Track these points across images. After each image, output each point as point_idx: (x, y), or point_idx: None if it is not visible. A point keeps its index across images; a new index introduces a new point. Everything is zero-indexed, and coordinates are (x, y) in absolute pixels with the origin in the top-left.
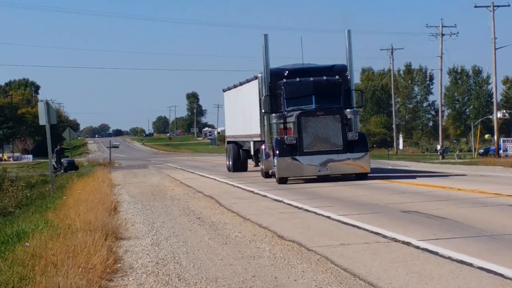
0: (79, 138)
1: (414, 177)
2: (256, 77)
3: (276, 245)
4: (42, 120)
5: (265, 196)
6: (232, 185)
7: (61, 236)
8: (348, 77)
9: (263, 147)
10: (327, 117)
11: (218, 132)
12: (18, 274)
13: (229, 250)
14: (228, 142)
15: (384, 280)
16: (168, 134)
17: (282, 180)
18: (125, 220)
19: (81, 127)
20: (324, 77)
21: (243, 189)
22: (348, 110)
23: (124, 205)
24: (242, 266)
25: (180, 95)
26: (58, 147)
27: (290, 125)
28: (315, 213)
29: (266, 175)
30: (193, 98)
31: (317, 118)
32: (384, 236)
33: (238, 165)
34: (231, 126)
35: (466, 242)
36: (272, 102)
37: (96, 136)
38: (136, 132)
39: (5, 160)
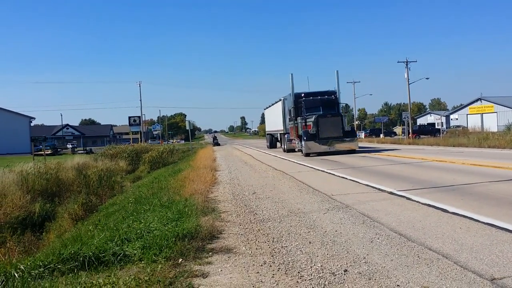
0: (199, 133)
1: (379, 150)
2: (280, 100)
3: (274, 172)
4: (187, 127)
5: (277, 156)
6: (265, 153)
7: (195, 170)
8: (338, 96)
9: (285, 136)
10: (333, 118)
11: (254, 131)
12: (179, 184)
13: (257, 174)
14: (267, 134)
15: (312, 183)
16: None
17: (307, 155)
18: (218, 164)
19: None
20: (326, 96)
21: (269, 154)
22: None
23: (218, 158)
24: (261, 180)
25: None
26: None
27: (310, 123)
28: (293, 161)
29: (288, 151)
30: (243, 118)
31: (327, 119)
32: (341, 177)
33: (272, 144)
34: (268, 126)
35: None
36: (296, 111)
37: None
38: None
39: (174, 142)
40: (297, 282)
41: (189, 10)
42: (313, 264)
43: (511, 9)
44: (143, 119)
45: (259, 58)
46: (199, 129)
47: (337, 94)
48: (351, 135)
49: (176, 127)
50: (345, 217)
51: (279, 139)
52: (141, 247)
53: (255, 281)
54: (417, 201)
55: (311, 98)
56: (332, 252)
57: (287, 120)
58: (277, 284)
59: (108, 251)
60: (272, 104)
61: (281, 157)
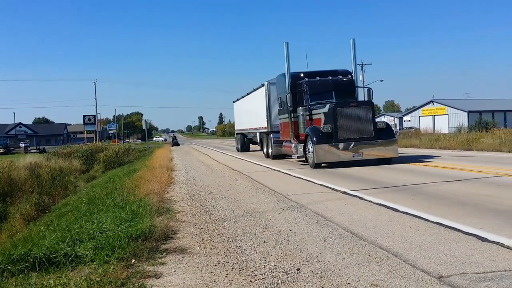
0: (157, 132)
1: None
2: (263, 85)
3: (231, 172)
4: (143, 126)
5: (239, 157)
6: (227, 154)
7: (150, 170)
8: (353, 78)
9: (271, 136)
10: (359, 108)
11: (212, 131)
12: (134, 184)
13: (214, 174)
14: (237, 133)
15: (268, 183)
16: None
17: (318, 165)
18: (175, 164)
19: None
20: (340, 77)
21: (235, 156)
22: None
23: (175, 158)
24: (218, 180)
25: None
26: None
27: (319, 116)
28: (250, 161)
29: (274, 157)
30: (201, 118)
31: (351, 109)
32: (298, 177)
33: (244, 147)
34: (239, 123)
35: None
36: (293, 99)
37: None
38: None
39: (130, 141)
40: (251, 281)
41: (146, 8)
42: (266, 263)
43: (460, 12)
44: (98, 118)
45: (214, 59)
46: (156, 129)
47: (349, 75)
48: (387, 134)
49: (132, 126)
50: (299, 217)
51: (257, 140)
52: (93, 248)
53: (209, 281)
54: (370, 201)
55: (318, 79)
56: (286, 251)
57: (274, 112)
58: (230, 284)
59: (59, 252)
60: (247, 94)
61: (259, 163)
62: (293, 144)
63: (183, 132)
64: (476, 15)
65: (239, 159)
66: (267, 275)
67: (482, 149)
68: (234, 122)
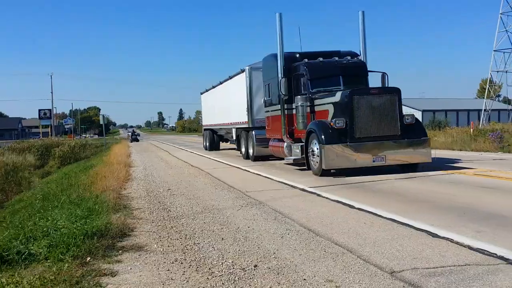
0: (114, 128)
1: None
2: (243, 70)
3: (190, 168)
4: (101, 121)
5: (201, 155)
6: (191, 152)
7: (108, 166)
8: (364, 59)
9: (253, 133)
10: (382, 96)
11: (172, 126)
12: (90, 180)
13: (173, 171)
14: (205, 129)
15: (227, 180)
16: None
17: (325, 172)
18: (133, 160)
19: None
20: (349, 59)
21: (205, 156)
22: None
23: (133, 154)
24: (177, 176)
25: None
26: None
27: (325, 107)
28: (209, 157)
29: (256, 159)
30: (160, 113)
31: (373, 97)
32: (251, 172)
33: (213, 145)
34: (208, 118)
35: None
36: (289, 86)
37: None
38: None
39: (86, 136)
40: (208, 278)
41: (105, 4)
42: (224, 260)
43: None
44: (55, 112)
45: (175, 55)
46: (114, 124)
47: (357, 57)
48: (417, 131)
49: (89, 121)
50: (258, 214)
51: (231, 138)
52: (47, 246)
53: (165, 279)
54: (327, 198)
55: (320, 61)
56: (244, 248)
57: (256, 104)
58: (187, 281)
59: (12, 250)
60: (220, 83)
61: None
62: (285, 144)
63: (142, 127)
64: (429, 19)
65: (209, 160)
66: (225, 272)
67: (435, 148)
68: (194, 118)
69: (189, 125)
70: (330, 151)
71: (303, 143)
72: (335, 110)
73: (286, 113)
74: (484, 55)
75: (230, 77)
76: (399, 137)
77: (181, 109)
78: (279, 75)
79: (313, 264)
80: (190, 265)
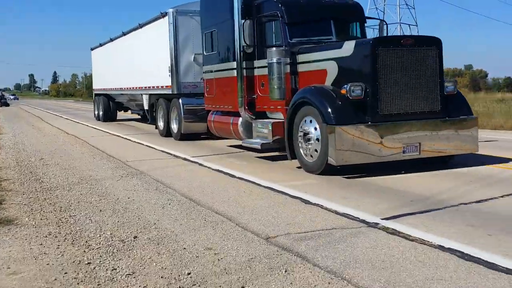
0: None
1: None
2: (164, 15)
3: (66, 136)
4: None
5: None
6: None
7: None
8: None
9: (180, 102)
10: (420, 50)
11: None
12: None
13: (46, 139)
14: (97, 95)
15: (106, 149)
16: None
17: (333, 169)
18: (0, 126)
19: None
20: None
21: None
22: None
23: (0, 119)
24: (51, 144)
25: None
26: None
27: (323, 66)
28: (93, 127)
29: (183, 137)
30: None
31: (406, 52)
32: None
33: (109, 114)
34: (102, 80)
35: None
36: (252, 34)
37: None
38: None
39: None
40: (84, 251)
41: None
42: (102, 233)
43: None
44: None
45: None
46: None
47: None
48: (459, 106)
49: None
50: (139, 184)
51: (145, 106)
52: None
53: (38, 253)
54: (209, 167)
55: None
56: (123, 220)
57: (184, 61)
58: (62, 255)
59: None
60: (123, 34)
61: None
62: (241, 120)
63: (11, 90)
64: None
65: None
66: (103, 244)
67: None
68: (70, 81)
69: (65, 89)
70: (344, 135)
71: (277, 120)
72: (340, 71)
73: (245, 74)
74: None
75: (141, 25)
76: (439, 114)
77: (55, 72)
78: (237, 16)
79: (194, 233)
80: (65, 239)
